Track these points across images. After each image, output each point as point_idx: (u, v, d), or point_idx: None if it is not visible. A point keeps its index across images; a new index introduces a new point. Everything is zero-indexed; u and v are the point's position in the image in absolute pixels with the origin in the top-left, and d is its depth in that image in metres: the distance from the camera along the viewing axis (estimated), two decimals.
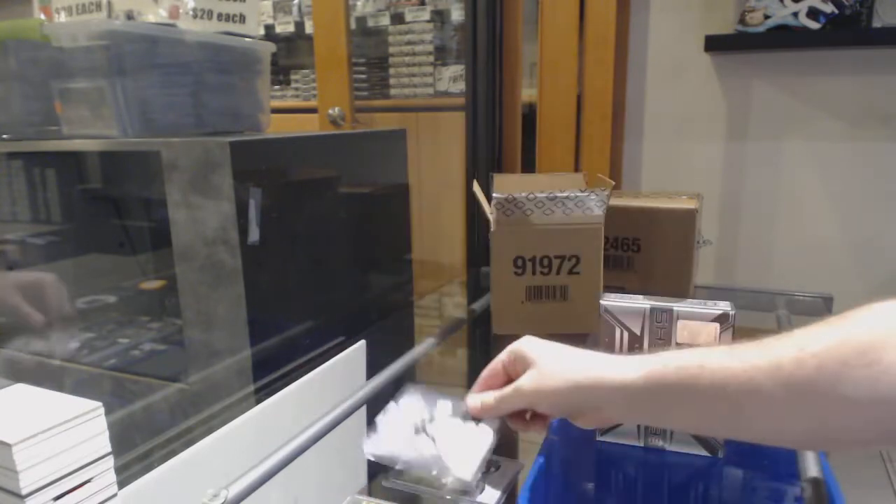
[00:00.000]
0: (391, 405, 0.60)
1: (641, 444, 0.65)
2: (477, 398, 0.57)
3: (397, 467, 0.56)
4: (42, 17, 1.09)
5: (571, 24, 1.56)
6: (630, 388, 0.49)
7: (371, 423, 0.59)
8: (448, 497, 0.55)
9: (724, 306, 0.60)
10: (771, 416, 0.44)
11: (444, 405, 0.59)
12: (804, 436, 0.46)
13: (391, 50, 2.22)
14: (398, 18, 2.24)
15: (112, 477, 0.43)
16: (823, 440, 0.47)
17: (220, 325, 0.80)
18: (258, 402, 0.62)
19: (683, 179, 1.63)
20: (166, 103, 0.91)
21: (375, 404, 0.75)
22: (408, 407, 0.60)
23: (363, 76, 2.28)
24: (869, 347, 0.40)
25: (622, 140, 1.67)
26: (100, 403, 0.42)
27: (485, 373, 0.59)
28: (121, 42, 0.86)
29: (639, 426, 0.66)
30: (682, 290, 0.96)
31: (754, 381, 0.44)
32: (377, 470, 0.60)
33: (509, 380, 0.57)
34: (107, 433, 0.43)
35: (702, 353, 0.48)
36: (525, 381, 0.54)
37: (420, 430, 0.57)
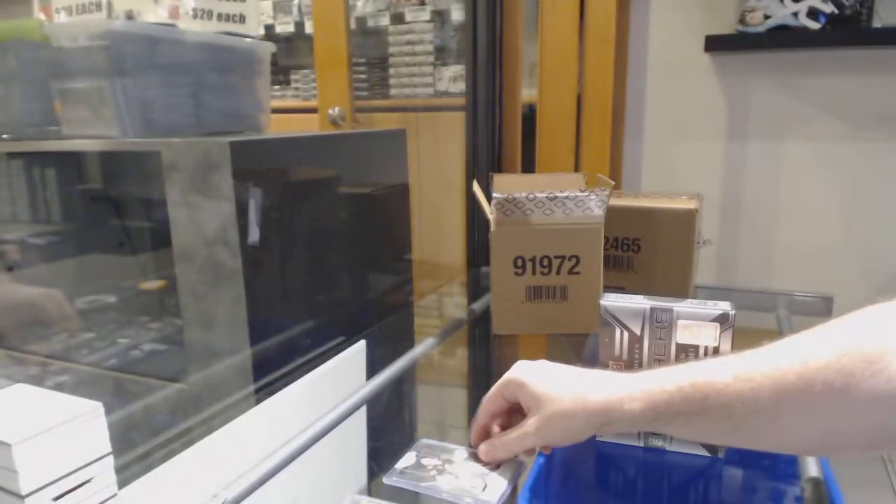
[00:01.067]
0: (408, 453, 0.62)
1: (641, 445, 0.65)
2: (486, 445, 0.59)
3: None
4: (42, 17, 1.10)
5: (572, 25, 1.56)
6: (634, 419, 0.50)
7: (372, 425, 0.59)
8: (449, 497, 0.55)
9: (724, 306, 0.60)
10: (775, 431, 0.45)
11: (461, 452, 0.62)
12: (808, 444, 0.46)
13: (391, 50, 2.22)
14: (398, 18, 2.24)
15: (112, 477, 0.43)
16: (826, 447, 0.47)
17: (220, 326, 0.80)
18: (258, 402, 0.62)
19: (683, 180, 1.63)
20: (166, 103, 0.91)
21: (375, 404, 0.75)
22: (425, 451, 0.62)
23: (363, 76, 2.28)
24: (876, 356, 0.40)
25: (622, 140, 1.67)
26: (100, 403, 0.42)
27: (483, 402, 0.60)
28: (121, 42, 0.86)
29: None
30: (682, 290, 0.96)
31: (760, 401, 0.44)
32: (377, 470, 0.61)
33: (507, 404, 0.58)
34: (107, 433, 0.43)
35: (704, 374, 0.48)
36: (531, 427, 0.55)
37: (441, 470, 0.59)
